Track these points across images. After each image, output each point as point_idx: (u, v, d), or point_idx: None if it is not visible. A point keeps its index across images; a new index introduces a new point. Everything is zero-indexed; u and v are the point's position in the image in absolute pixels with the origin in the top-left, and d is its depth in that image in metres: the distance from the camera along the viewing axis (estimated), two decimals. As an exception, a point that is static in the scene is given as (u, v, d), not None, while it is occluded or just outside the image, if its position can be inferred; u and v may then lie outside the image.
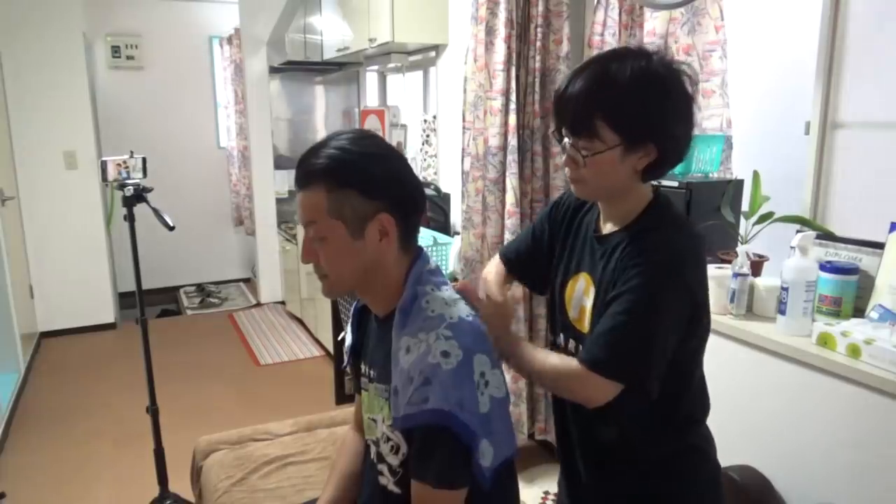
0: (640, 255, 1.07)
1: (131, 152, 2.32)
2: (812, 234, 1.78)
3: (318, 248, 1.08)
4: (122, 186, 2.23)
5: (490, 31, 2.42)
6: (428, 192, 2.43)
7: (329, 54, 4.13)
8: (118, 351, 4.36)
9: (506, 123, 2.45)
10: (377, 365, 1.17)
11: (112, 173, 2.27)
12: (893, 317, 1.54)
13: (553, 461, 2.77)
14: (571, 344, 1.23)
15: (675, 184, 1.93)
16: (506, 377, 1.12)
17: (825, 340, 1.58)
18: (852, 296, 1.64)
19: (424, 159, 3.78)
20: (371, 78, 4.74)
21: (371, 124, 4.20)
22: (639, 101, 1.04)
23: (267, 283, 5.34)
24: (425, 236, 2.98)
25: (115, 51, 5.26)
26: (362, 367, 1.24)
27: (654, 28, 2.16)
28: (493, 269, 1.40)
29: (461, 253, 2.65)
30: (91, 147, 4.46)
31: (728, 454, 1.45)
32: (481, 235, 2.58)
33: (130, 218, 2.25)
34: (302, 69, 5.13)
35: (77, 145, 4.42)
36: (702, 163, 2.05)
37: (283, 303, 5.28)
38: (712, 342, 1.23)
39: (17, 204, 4.22)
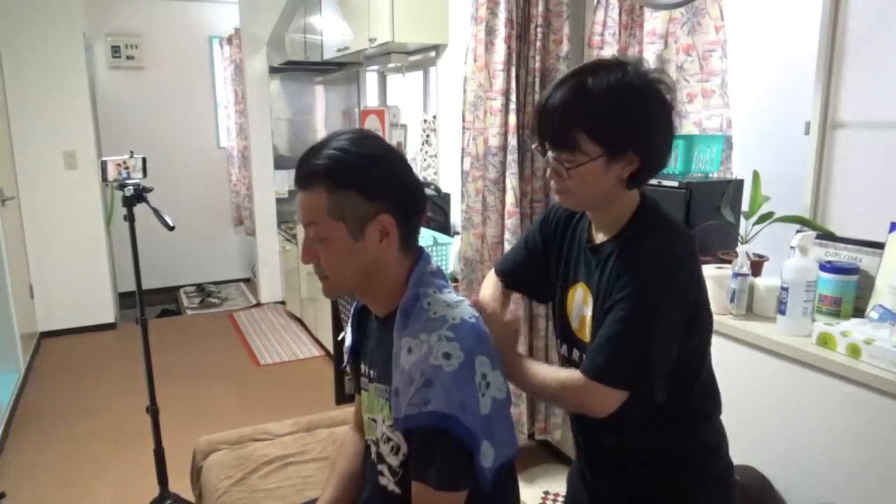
0: (631, 262, 1.09)
1: (131, 152, 2.32)
2: (812, 234, 1.78)
3: (319, 248, 1.08)
4: (122, 186, 2.23)
5: (490, 31, 2.42)
6: (428, 192, 2.43)
7: (329, 54, 4.13)
8: (118, 351, 4.36)
9: (506, 123, 2.45)
10: (377, 365, 1.17)
11: (112, 173, 2.27)
12: (893, 317, 1.54)
13: (553, 461, 2.77)
14: (576, 353, 1.25)
15: (675, 184, 1.93)
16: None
17: (825, 340, 1.58)
18: (852, 296, 1.64)
19: (424, 159, 3.78)
20: (371, 78, 4.74)
21: (371, 124, 4.20)
22: (616, 112, 1.06)
23: (267, 283, 5.34)
24: (425, 236, 2.98)
25: (115, 51, 5.26)
26: (362, 367, 1.24)
27: (654, 28, 2.16)
28: (489, 288, 1.39)
29: (461, 253, 2.65)
30: (91, 147, 4.46)
31: (728, 454, 1.45)
32: (481, 235, 2.58)
33: (130, 218, 2.25)
34: (302, 69, 5.13)
35: (77, 145, 4.42)
36: (702, 163, 2.04)
37: (283, 303, 5.28)
38: (712, 342, 1.23)
39: (17, 204, 4.22)
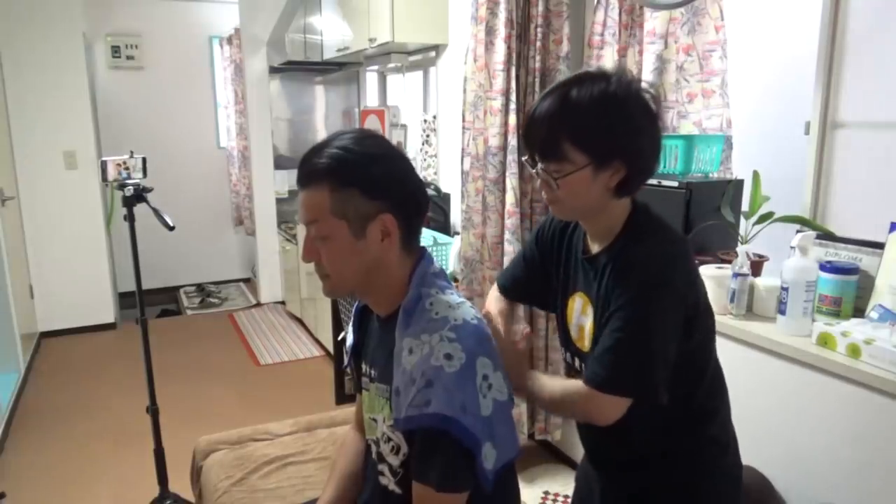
0: (625, 271, 1.10)
1: (131, 152, 2.32)
2: (812, 234, 1.78)
3: (321, 247, 1.08)
4: (122, 186, 2.23)
5: (490, 31, 2.42)
6: (428, 192, 2.43)
7: (329, 54, 4.13)
8: (118, 351, 4.36)
9: (506, 123, 2.45)
10: (378, 365, 1.17)
11: (112, 173, 2.27)
12: (893, 317, 1.54)
13: (553, 461, 2.77)
14: (577, 362, 1.26)
15: (675, 184, 1.93)
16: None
17: (825, 340, 1.58)
18: (852, 296, 1.64)
19: (424, 159, 3.78)
20: (371, 78, 4.74)
21: (371, 124, 4.20)
22: (600, 122, 1.07)
23: (267, 283, 5.34)
24: (425, 236, 2.98)
25: (115, 51, 5.26)
26: (363, 366, 1.24)
27: (654, 28, 2.16)
28: (493, 304, 1.41)
29: (461, 253, 2.65)
30: (91, 147, 4.46)
31: (728, 454, 1.45)
32: (481, 235, 2.58)
33: (130, 218, 2.25)
34: (302, 69, 5.13)
35: (77, 145, 4.41)
36: (702, 163, 2.04)
37: (283, 303, 5.28)
38: (713, 342, 1.23)
39: (17, 204, 4.22)
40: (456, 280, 2.72)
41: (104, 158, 2.28)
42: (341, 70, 5.06)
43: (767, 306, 1.79)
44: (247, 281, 6.07)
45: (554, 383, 1.21)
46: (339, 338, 3.34)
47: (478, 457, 1.01)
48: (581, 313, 1.22)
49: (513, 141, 2.44)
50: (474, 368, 1.02)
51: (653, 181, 1.91)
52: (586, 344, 1.20)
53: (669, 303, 1.09)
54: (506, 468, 1.07)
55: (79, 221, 4.50)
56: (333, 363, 3.61)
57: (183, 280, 5.86)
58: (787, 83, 2.07)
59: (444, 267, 2.88)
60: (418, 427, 1.02)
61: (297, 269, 4.59)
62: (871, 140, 1.78)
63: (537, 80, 2.42)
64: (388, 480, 1.15)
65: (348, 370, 1.73)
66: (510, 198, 2.47)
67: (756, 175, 1.87)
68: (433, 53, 3.51)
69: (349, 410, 1.82)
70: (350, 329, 1.30)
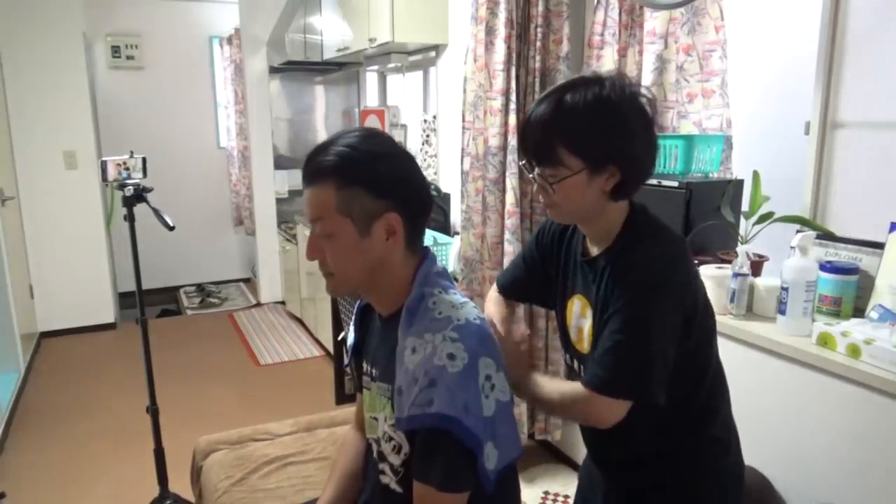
0: (623, 274, 1.11)
1: (131, 152, 2.32)
2: (812, 234, 1.78)
3: (325, 244, 1.08)
4: (122, 186, 2.23)
5: (490, 31, 2.42)
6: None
7: (329, 54, 4.13)
8: (118, 351, 4.36)
9: (506, 123, 2.45)
10: (380, 364, 1.17)
11: (112, 173, 2.27)
12: (893, 317, 1.54)
13: (553, 461, 2.77)
14: (577, 364, 1.27)
15: (675, 184, 1.93)
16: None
17: (825, 340, 1.58)
18: (852, 296, 1.64)
19: (424, 159, 3.78)
20: (371, 78, 4.74)
21: (371, 124, 4.20)
22: (594, 127, 1.07)
23: (267, 283, 5.34)
24: (425, 236, 2.98)
25: (115, 51, 5.26)
26: (364, 365, 1.24)
27: (654, 28, 2.17)
28: (493, 304, 1.42)
29: (461, 253, 2.65)
30: (91, 147, 4.46)
31: (728, 454, 1.45)
32: (481, 235, 2.58)
33: (130, 218, 2.25)
34: (302, 69, 5.13)
35: (77, 145, 4.41)
36: (702, 163, 2.05)
37: (283, 303, 5.28)
38: (713, 342, 1.23)
39: (17, 204, 4.22)
40: (456, 280, 2.72)
41: (104, 158, 2.28)
42: (341, 70, 5.06)
43: (767, 306, 1.79)
44: (247, 281, 6.07)
45: (553, 386, 1.21)
46: (339, 338, 3.34)
47: (479, 457, 1.01)
48: (580, 315, 1.22)
49: (513, 141, 2.44)
50: (477, 368, 1.02)
51: (653, 181, 1.91)
52: (585, 346, 1.21)
53: (668, 304, 1.09)
54: (507, 468, 1.08)
55: (79, 221, 4.50)
56: (333, 363, 3.61)
57: (183, 280, 5.86)
58: (787, 83, 2.08)
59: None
60: (420, 426, 1.02)
61: (298, 269, 4.59)
62: (871, 140, 1.78)
63: (537, 80, 2.42)
64: (388, 479, 1.15)
65: (349, 369, 1.73)
66: (510, 198, 2.47)
67: (756, 175, 1.87)
68: (433, 53, 3.51)
69: (349, 410, 1.82)
70: (351, 328, 1.30)
